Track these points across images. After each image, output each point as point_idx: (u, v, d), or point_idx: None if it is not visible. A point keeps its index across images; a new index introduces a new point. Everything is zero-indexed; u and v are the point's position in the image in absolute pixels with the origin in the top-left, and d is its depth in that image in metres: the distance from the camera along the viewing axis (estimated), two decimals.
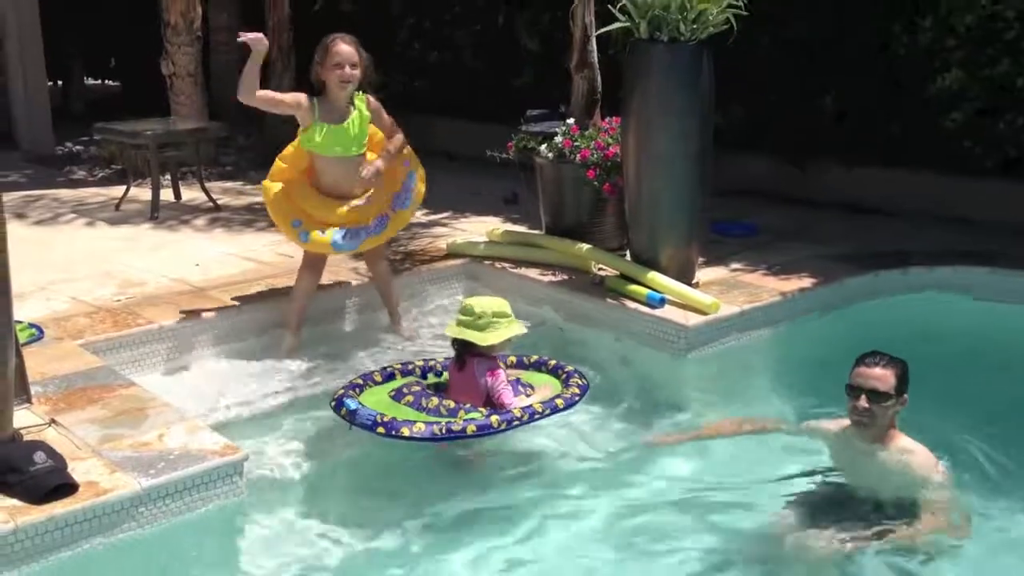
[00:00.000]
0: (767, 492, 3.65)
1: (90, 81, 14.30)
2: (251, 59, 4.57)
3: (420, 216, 6.63)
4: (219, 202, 7.42)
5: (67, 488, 3.01)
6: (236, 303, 4.97)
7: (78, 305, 4.91)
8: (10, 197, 7.66)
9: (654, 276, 4.98)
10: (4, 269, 3.18)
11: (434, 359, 4.39)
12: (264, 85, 4.73)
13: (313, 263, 4.96)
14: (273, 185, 4.91)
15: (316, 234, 4.81)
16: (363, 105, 4.85)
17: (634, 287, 4.98)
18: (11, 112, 10.21)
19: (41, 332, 4.42)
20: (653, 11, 4.79)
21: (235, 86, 4.67)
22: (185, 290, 5.18)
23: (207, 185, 7.60)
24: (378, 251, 5.11)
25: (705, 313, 4.75)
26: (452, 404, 3.87)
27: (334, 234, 4.80)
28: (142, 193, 7.44)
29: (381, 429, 3.68)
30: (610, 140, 5.48)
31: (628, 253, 5.36)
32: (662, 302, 4.85)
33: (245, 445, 3.49)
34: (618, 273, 5.21)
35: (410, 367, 4.31)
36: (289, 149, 4.96)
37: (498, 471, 3.90)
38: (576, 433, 4.21)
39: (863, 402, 3.42)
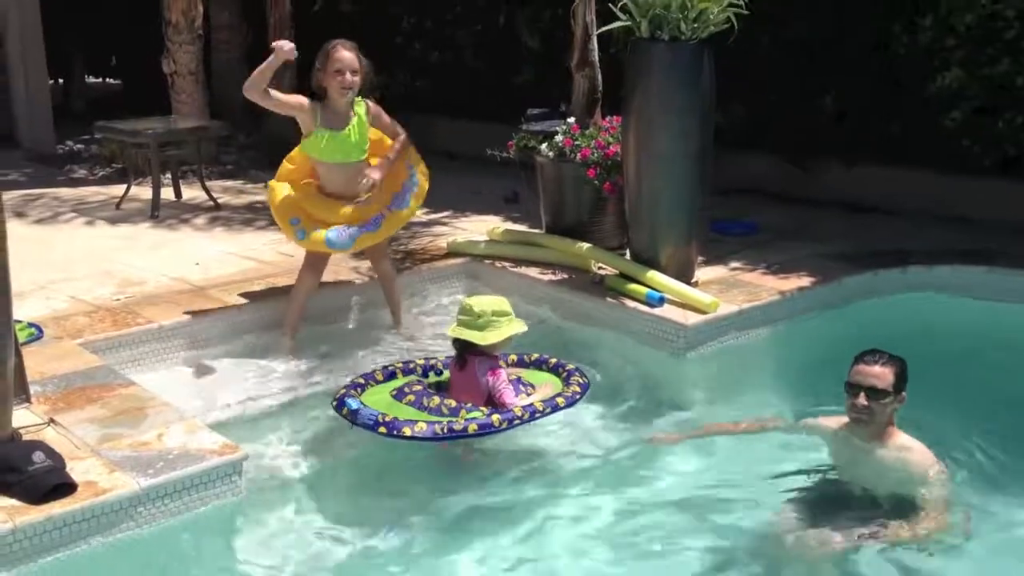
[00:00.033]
0: (766, 490, 3.65)
1: (91, 79, 14.31)
2: (272, 59, 4.57)
3: (421, 215, 6.63)
4: (220, 201, 7.42)
5: (66, 488, 3.02)
6: (236, 302, 4.97)
7: (77, 304, 4.91)
8: (10, 196, 7.67)
9: (654, 275, 4.98)
10: (4, 268, 3.18)
11: (435, 358, 4.40)
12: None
13: (314, 263, 4.96)
14: (279, 186, 4.94)
15: (313, 232, 4.82)
16: (362, 111, 4.86)
17: (634, 286, 4.99)
18: (12, 111, 10.21)
19: (40, 331, 4.42)
20: (654, 10, 4.79)
21: (236, 84, 4.68)
22: (185, 289, 5.18)
23: (208, 184, 7.61)
24: (381, 250, 5.12)
25: (704, 312, 4.76)
26: (453, 403, 3.87)
27: (328, 232, 4.81)
28: (142, 192, 7.44)
29: (383, 429, 3.68)
30: (611, 139, 5.49)
31: (628, 252, 5.36)
32: (661, 301, 4.86)
33: (244, 445, 3.48)
34: (618, 272, 5.22)
35: (411, 366, 4.31)
36: (297, 151, 4.99)
37: (499, 470, 3.90)
38: (576, 431, 4.20)
39: (862, 399, 3.42)
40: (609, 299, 5.02)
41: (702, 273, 5.29)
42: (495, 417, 3.75)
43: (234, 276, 5.43)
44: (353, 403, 3.83)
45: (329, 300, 5.16)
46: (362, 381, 4.11)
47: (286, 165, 5.01)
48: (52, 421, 3.50)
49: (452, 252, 5.87)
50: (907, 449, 3.47)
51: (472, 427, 3.70)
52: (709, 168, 5.05)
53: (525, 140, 5.93)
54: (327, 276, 5.12)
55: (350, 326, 5.23)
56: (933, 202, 6.52)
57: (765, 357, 4.88)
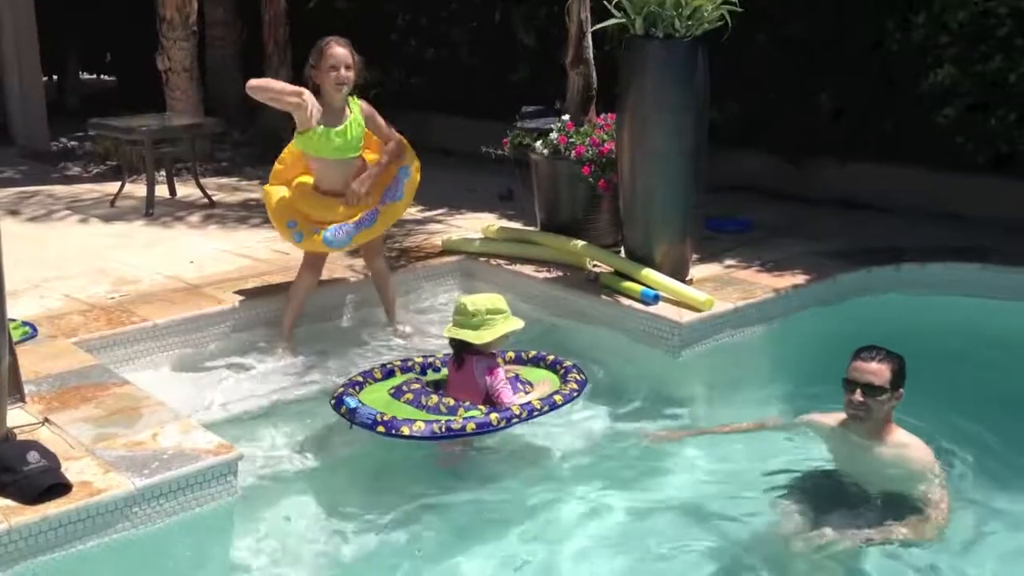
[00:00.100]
0: (764, 487, 3.66)
1: (85, 76, 14.28)
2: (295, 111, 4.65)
3: (415, 212, 6.64)
4: (214, 198, 7.41)
5: (61, 488, 3.01)
6: (231, 300, 4.96)
7: (72, 303, 4.90)
8: (4, 193, 7.67)
9: (648, 273, 4.99)
10: None
11: (433, 355, 4.40)
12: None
13: (313, 263, 4.97)
14: (274, 189, 4.95)
15: (310, 233, 4.82)
16: (358, 109, 4.86)
17: (628, 284, 4.99)
18: (6, 108, 10.19)
19: (34, 330, 4.41)
20: (648, 7, 4.79)
21: (231, 81, 4.69)
22: (180, 287, 5.18)
23: (202, 181, 7.58)
24: (375, 248, 5.12)
25: (699, 310, 4.76)
26: (452, 402, 3.87)
27: (325, 232, 4.81)
28: (137, 189, 7.43)
29: (381, 428, 3.68)
30: (605, 136, 5.49)
31: (623, 250, 5.37)
32: (656, 299, 4.86)
33: (240, 444, 3.48)
34: (612, 270, 5.22)
35: (409, 364, 4.31)
36: (287, 151, 4.98)
37: (495, 468, 3.90)
38: (573, 429, 4.21)
39: (859, 396, 3.42)
40: (604, 297, 5.03)
41: (696, 271, 5.30)
42: (493, 416, 3.75)
43: (229, 274, 5.42)
44: (352, 402, 3.83)
45: (325, 298, 5.16)
46: (360, 379, 4.11)
47: (277, 166, 5.02)
48: (47, 421, 3.50)
49: (447, 250, 5.87)
50: (905, 446, 3.48)
51: (470, 426, 3.70)
52: (703, 165, 5.06)
53: (520, 137, 5.93)
54: (323, 274, 5.11)
55: (345, 324, 5.23)
56: (926, 199, 6.53)
57: (760, 355, 4.89)
